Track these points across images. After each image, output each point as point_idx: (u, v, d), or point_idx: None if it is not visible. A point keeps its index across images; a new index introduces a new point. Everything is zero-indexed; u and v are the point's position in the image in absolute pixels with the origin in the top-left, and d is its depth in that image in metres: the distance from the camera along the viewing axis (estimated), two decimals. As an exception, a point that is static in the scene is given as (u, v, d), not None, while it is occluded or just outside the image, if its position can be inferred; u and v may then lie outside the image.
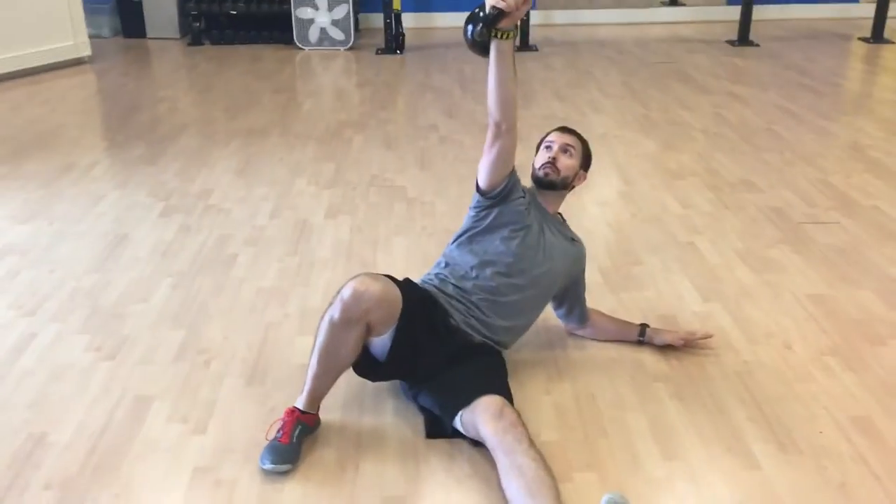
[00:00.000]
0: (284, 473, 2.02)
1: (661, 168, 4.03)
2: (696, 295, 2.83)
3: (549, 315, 2.67)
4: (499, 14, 2.03)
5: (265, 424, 2.15)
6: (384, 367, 2.18)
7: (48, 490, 1.98)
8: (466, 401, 2.04)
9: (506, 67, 2.12)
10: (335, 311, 2.03)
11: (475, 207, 2.36)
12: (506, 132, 2.18)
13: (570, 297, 2.53)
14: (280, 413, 2.13)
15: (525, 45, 6.65)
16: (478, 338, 2.26)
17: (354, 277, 2.06)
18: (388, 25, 6.57)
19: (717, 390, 2.32)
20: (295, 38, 6.77)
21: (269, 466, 2.01)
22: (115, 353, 2.53)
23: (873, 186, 3.75)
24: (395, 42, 6.61)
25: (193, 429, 2.19)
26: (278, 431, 2.08)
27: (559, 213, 2.52)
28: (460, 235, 2.39)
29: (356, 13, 6.93)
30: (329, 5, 6.65)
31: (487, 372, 2.20)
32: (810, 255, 3.09)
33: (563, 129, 2.50)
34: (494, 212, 2.32)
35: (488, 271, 2.28)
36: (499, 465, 1.90)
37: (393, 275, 2.19)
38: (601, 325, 2.58)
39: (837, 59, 6.33)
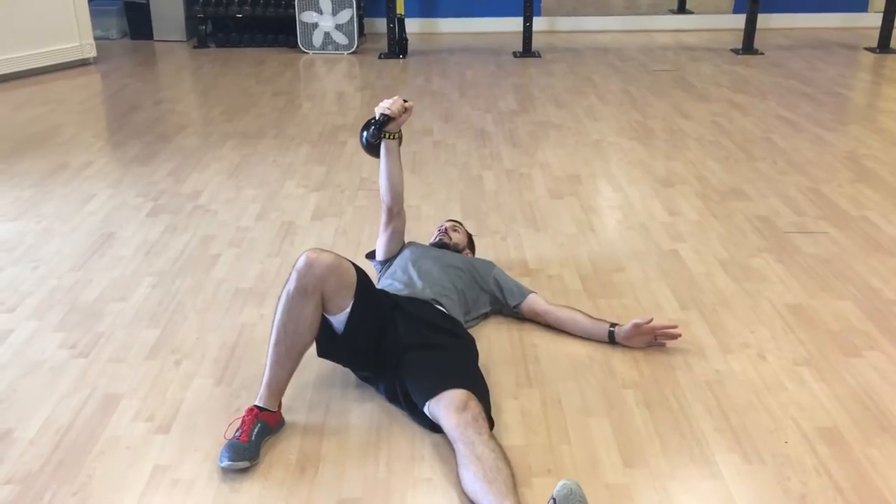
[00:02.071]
0: (242, 471, 2.02)
1: (652, 176, 4.01)
2: (675, 303, 2.81)
3: (522, 322, 2.67)
4: (386, 119, 2.58)
5: (227, 428, 2.15)
6: (344, 339, 2.23)
7: (8, 485, 1.99)
8: (434, 391, 2.09)
9: (393, 162, 2.64)
10: (290, 284, 2.14)
11: (380, 274, 2.75)
12: (396, 214, 2.70)
13: (501, 290, 2.69)
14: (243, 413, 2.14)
15: (528, 52, 6.65)
16: (439, 304, 2.43)
17: (305, 251, 2.18)
18: (391, 30, 6.59)
19: (685, 399, 2.30)
20: (299, 41, 6.80)
21: (226, 464, 2.02)
22: (88, 351, 2.55)
23: (865, 196, 3.71)
24: (398, 46, 6.63)
25: (157, 427, 2.20)
26: (237, 430, 2.09)
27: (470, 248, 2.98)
28: (379, 279, 2.73)
29: (361, 18, 6.95)
30: (333, 10, 6.68)
31: (458, 363, 2.26)
32: (793, 265, 3.07)
33: (451, 220, 3.08)
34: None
35: (407, 261, 2.66)
36: (457, 455, 1.95)
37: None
38: (569, 315, 2.63)
39: (841, 68, 6.28)
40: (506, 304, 2.69)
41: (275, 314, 2.16)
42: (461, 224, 3.03)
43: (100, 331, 2.66)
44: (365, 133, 2.64)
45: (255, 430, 2.09)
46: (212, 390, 2.36)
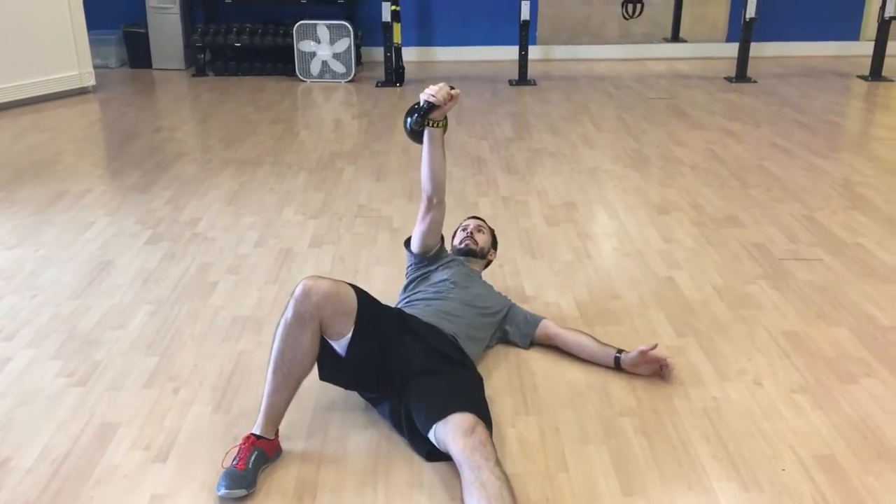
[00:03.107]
0: (240, 500, 2.02)
1: (648, 203, 4.04)
2: (671, 330, 2.82)
3: (519, 352, 2.69)
4: (431, 107, 2.50)
5: (224, 456, 2.15)
6: (346, 365, 2.22)
7: (5, 515, 1.99)
8: (441, 414, 2.07)
9: (437, 151, 2.58)
10: (288, 312, 2.15)
11: (410, 266, 2.77)
12: (436, 205, 2.64)
13: (512, 323, 2.70)
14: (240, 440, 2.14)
15: (523, 80, 6.71)
16: (451, 336, 2.40)
17: (304, 278, 2.19)
18: (388, 59, 6.65)
19: (683, 426, 2.31)
20: (297, 70, 6.86)
21: (223, 492, 2.01)
22: (86, 379, 2.55)
23: (859, 223, 3.74)
24: (395, 75, 6.68)
25: (155, 456, 2.20)
26: (234, 458, 2.09)
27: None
28: (406, 285, 2.75)
29: (358, 46, 7.01)
30: (331, 39, 6.74)
31: (464, 388, 2.26)
32: (789, 292, 3.08)
33: (475, 217, 3.07)
34: (427, 271, 2.74)
35: (438, 290, 2.63)
36: (463, 481, 1.93)
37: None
38: (573, 337, 2.66)
39: (834, 96, 6.35)
40: (520, 342, 2.71)
41: (273, 342, 2.16)
42: (485, 222, 3.01)
43: (97, 359, 2.66)
44: (409, 119, 2.56)
45: (252, 457, 2.09)
46: (210, 418, 2.36)
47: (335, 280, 2.21)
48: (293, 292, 2.15)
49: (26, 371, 2.60)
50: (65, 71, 6.18)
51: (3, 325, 2.87)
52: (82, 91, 6.32)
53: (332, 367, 2.26)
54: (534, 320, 2.71)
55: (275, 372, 2.15)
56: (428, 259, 2.72)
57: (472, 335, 2.50)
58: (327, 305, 2.14)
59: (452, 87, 2.52)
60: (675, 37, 8.37)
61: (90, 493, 2.06)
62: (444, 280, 2.65)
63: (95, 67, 6.53)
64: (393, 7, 6.49)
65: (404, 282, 2.77)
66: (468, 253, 2.84)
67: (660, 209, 3.95)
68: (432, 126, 2.54)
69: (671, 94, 6.42)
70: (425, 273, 2.72)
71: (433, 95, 2.48)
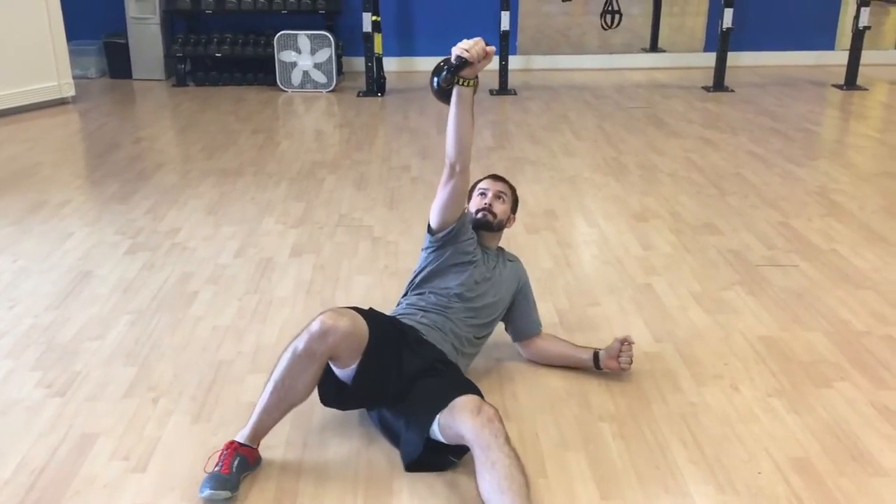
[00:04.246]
0: (223, 502, 2.02)
1: (626, 211, 4.07)
2: (649, 336, 2.85)
3: (501, 353, 2.70)
4: (463, 63, 2.23)
5: (206, 462, 2.15)
6: (351, 391, 2.20)
7: (-18, 526, 1.98)
8: (444, 403, 2.07)
9: (465, 112, 2.30)
10: (300, 343, 2.09)
11: (427, 248, 2.54)
12: (459, 173, 2.36)
13: (518, 311, 2.66)
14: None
15: (504, 89, 6.75)
16: (447, 355, 2.35)
17: (323, 312, 2.12)
18: (369, 68, 6.67)
19: (660, 431, 2.33)
20: (278, 80, 6.86)
21: (207, 493, 2.01)
22: (65, 390, 2.54)
23: (834, 230, 3.79)
24: (376, 85, 6.70)
25: (134, 466, 2.19)
26: (217, 463, 2.08)
27: (499, 247, 2.70)
28: (414, 278, 2.56)
29: (340, 56, 7.03)
30: (312, 49, 6.76)
31: (459, 378, 2.27)
32: (765, 298, 3.12)
33: (495, 177, 2.73)
34: (447, 252, 2.50)
35: (443, 300, 2.47)
36: (475, 462, 1.95)
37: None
38: (555, 348, 2.67)
39: (810, 104, 6.43)
40: (515, 334, 2.69)
41: (277, 361, 2.12)
42: (506, 182, 2.68)
43: (76, 369, 2.65)
44: (436, 77, 2.29)
45: (235, 462, 2.09)
46: (189, 428, 2.36)
47: (353, 315, 2.12)
48: (309, 325, 2.08)
49: (4, 382, 2.58)
50: (44, 81, 6.15)
51: (-19, 337, 2.86)
52: (62, 102, 6.30)
53: (337, 395, 2.22)
54: (535, 328, 2.68)
55: (272, 392, 2.12)
56: (447, 238, 2.46)
57: (464, 352, 2.47)
58: (342, 344, 2.08)
59: (488, 44, 2.26)
60: (654, 47, 8.45)
61: (69, 503, 2.05)
62: (450, 290, 2.46)
63: (75, 78, 6.51)
64: (373, 17, 6.52)
65: (415, 267, 2.56)
66: (484, 226, 2.57)
67: (638, 217, 3.99)
68: (463, 85, 2.27)
69: (650, 104, 6.48)
70: (439, 266, 2.48)
71: (466, 51, 2.21)
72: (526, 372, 2.64)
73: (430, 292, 2.49)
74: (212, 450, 2.22)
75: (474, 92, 2.31)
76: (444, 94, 2.32)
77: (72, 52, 6.45)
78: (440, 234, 2.47)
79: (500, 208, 2.60)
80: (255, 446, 2.16)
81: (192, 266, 3.43)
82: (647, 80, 7.41)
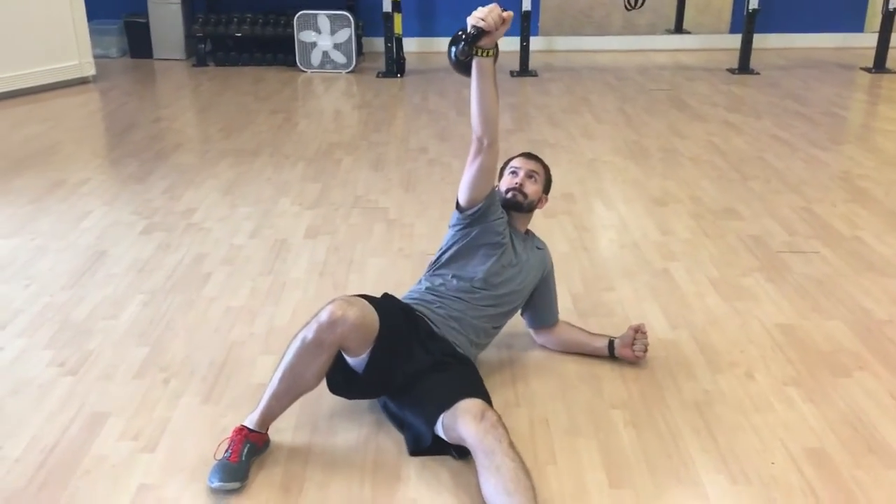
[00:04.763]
0: (232, 492, 2.01)
1: (646, 195, 4.02)
2: (664, 322, 2.81)
3: (513, 340, 2.67)
4: (479, 33, 2.13)
5: (216, 443, 2.15)
6: (360, 381, 2.18)
7: (-8, 504, 1.99)
8: (448, 403, 2.05)
9: (487, 84, 2.21)
10: (309, 332, 2.05)
11: (454, 226, 2.45)
12: (487, 147, 2.27)
13: (538, 298, 2.60)
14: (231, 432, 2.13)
15: (525, 71, 6.68)
16: (458, 347, 2.30)
17: (332, 301, 2.08)
18: (388, 49, 6.63)
19: (673, 419, 2.29)
20: (297, 60, 6.84)
21: (217, 485, 2.01)
22: (77, 369, 2.55)
23: (858, 216, 3.72)
24: (395, 65, 6.66)
25: (144, 446, 2.19)
26: (227, 450, 2.08)
27: (528, 230, 2.62)
28: (440, 255, 2.47)
29: (360, 37, 6.99)
30: (331, 29, 6.72)
31: (467, 377, 2.23)
32: (784, 285, 3.06)
33: (528, 155, 2.62)
34: (475, 231, 2.40)
35: (465, 285, 2.39)
36: (478, 466, 1.93)
37: (368, 293, 2.23)
38: (570, 335, 2.63)
39: (837, 88, 6.31)
40: (531, 321, 2.64)
41: (287, 348, 2.10)
42: (539, 161, 2.59)
43: (89, 348, 2.66)
44: (454, 49, 2.19)
45: (245, 450, 2.07)
46: (199, 409, 2.36)
47: (362, 305, 2.08)
48: (318, 314, 2.05)
49: (18, 360, 2.60)
50: (65, 61, 6.17)
51: (-3, 315, 2.87)
52: (82, 81, 6.31)
53: (344, 383, 2.19)
54: (553, 318, 2.63)
55: (281, 380, 2.10)
56: (476, 216, 2.36)
57: (479, 343, 2.42)
58: (351, 335, 2.05)
59: (504, 9, 2.16)
60: (679, 28, 8.33)
61: (77, 483, 2.06)
62: (475, 275, 2.38)
63: (96, 57, 6.53)
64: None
65: (442, 244, 2.47)
66: (514, 206, 2.48)
67: (658, 201, 3.93)
68: (481, 55, 2.17)
69: (673, 86, 6.38)
70: (467, 244, 2.39)
71: (482, 19, 2.11)
72: (538, 356, 2.61)
73: (453, 276, 2.40)
74: (221, 431, 2.22)
75: (495, 61, 2.21)
76: (463, 67, 2.22)
77: (93, 32, 6.47)
78: (469, 212, 2.38)
79: (532, 188, 2.50)
80: (264, 431, 2.14)
81: (207, 247, 3.43)
82: (672, 61, 7.30)
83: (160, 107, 5.92)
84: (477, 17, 2.12)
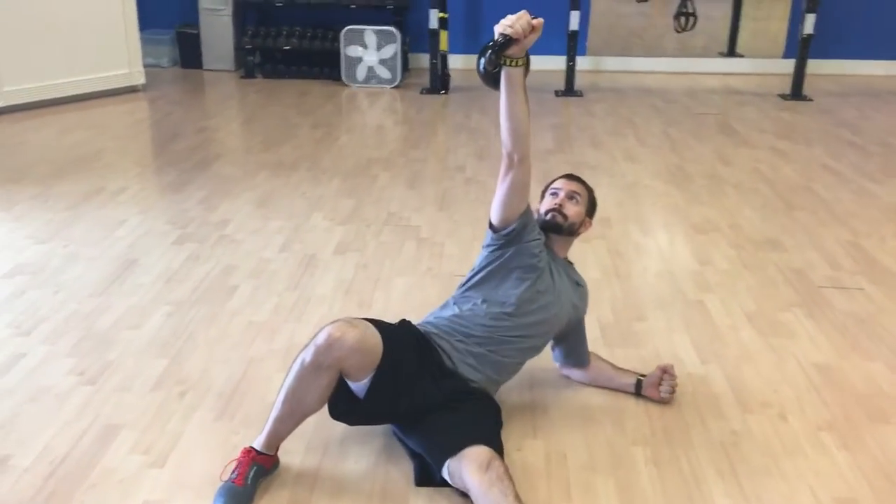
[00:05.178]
0: (234, 516, 1.98)
1: (685, 222, 3.91)
2: (695, 356, 2.71)
3: (535, 367, 2.59)
4: (507, 41, 2.03)
5: (225, 461, 2.12)
6: (362, 407, 2.11)
7: (-3, 513, 1.98)
8: (454, 449, 1.98)
9: (516, 95, 2.11)
10: (307, 355, 2.01)
11: (488, 246, 2.34)
12: (518, 163, 2.17)
13: (571, 340, 2.51)
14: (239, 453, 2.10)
15: (570, 91, 6.61)
16: (473, 383, 2.21)
17: (333, 322, 2.03)
18: (433, 65, 6.61)
19: (697, 460, 2.20)
20: (343, 75, 6.86)
21: (220, 507, 1.97)
22: (96, 379, 2.54)
23: (908, 252, 3.56)
24: (440, 82, 6.64)
25: (153, 461, 2.17)
26: (233, 472, 2.04)
27: (566, 257, 2.51)
28: (472, 276, 2.36)
29: (406, 53, 6.99)
30: (378, 45, 6.74)
31: (478, 420, 2.14)
32: (824, 321, 2.94)
33: (570, 177, 2.52)
34: (509, 251, 2.29)
35: (495, 311, 2.26)
36: None
37: (386, 316, 2.18)
38: (597, 369, 2.54)
39: (893, 118, 6.10)
40: (559, 358, 2.55)
41: (288, 372, 2.05)
42: (582, 183, 2.47)
43: (110, 358, 2.66)
44: (482, 59, 2.10)
45: (251, 472, 2.04)
46: (212, 425, 2.33)
47: (363, 327, 2.02)
48: (315, 336, 2.00)
49: (38, 368, 2.60)
50: (115, 69, 6.27)
51: (23, 321, 2.89)
52: (132, 89, 6.41)
53: (346, 408, 2.13)
54: (584, 360, 2.52)
55: (283, 402, 2.06)
56: (510, 236, 2.26)
57: (497, 380, 2.30)
58: (350, 358, 1.99)
59: (534, 17, 2.05)
60: (732, 51, 8.17)
61: (83, 496, 2.04)
62: (507, 301, 2.26)
63: (148, 66, 6.63)
64: (440, 14, 6.46)
65: (475, 264, 2.35)
66: (553, 228, 2.37)
67: (697, 229, 3.82)
68: (510, 65, 2.07)
69: (722, 110, 6.25)
70: (500, 265, 2.28)
71: (510, 27, 2.01)
72: (561, 385, 2.54)
73: (483, 300, 2.28)
74: (231, 449, 2.19)
75: (526, 72, 2.11)
76: (491, 79, 2.12)
77: (146, 41, 6.58)
78: (503, 232, 2.26)
79: (573, 210, 2.38)
80: (272, 453, 2.10)
81: (237, 259, 3.42)
82: (722, 85, 7.16)
83: (205, 117, 5.98)
84: (505, 25, 2.02)
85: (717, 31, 8.59)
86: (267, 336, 2.81)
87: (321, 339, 1.98)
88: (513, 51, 2.05)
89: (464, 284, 2.38)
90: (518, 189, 2.21)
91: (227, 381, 2.54)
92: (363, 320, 2.08)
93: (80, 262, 3.37)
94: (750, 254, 3.53)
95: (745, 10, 8.41)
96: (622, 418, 2.38)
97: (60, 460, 2.17)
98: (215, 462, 2.14)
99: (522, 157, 2.16)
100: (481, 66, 2.12)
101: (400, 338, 2.14)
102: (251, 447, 2.08)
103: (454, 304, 2.36)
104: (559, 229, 2.38)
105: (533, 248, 2.29)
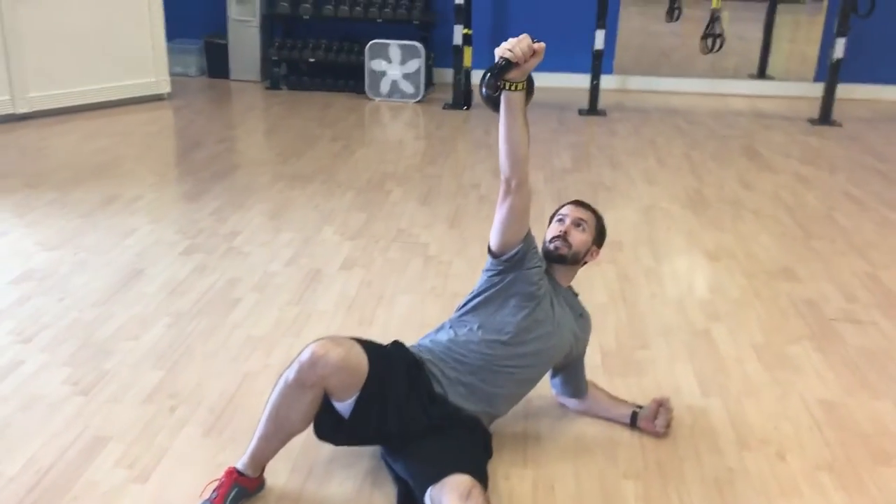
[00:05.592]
0: (208, 535, 1.96)
1: (699, 248, 3.84)
2: (696, 388, 2.65)
3: (531, 394, 2.52)
4: (507, 65, 2.00)
5: (208, 479, 2.10)
6: (346, 428, 2.08)
7: (-23, 523, 1.98)
8: (436, 477, 1.93)
9: (515, 120, 2.08)
10: (291, 372, 1.99)
11: (487, 271, 2.30)
12: (516, 189, 2.13)
13: (570, 370, 2.46)
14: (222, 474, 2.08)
15: (593, 110, 6.56)
16: (464, 411, 2.16)
17: (317, 340, 2.01)
18: (457, 81, 6.60)
19: (689, 497, 2.14)
20: (366, 88, 6.88)
21: (193, 528, 1.96)
22: (89, 389, 2.55)
23: (927, 286, 3.47)
24: (463, 98, 6.63)
25: (137, 476, 2.16)
26: (213, 492, 2.02)
27: (570, 287, 2.44)
28: (470, 300, 2.32)
29: (430, 68, 6.99)
30: (402, 59, 6.75)
31: (464, 448, 2.09)
32: (833, 356, 2.86)
33: (578, 203, 2.45)
34: (508, 277, 2.25)
35: (490, 338, 2.22)
36: None
37: (385, 334, 2.15)
38: (594, 399, 2.49)
39: (924, 145, 5.98)
40: (557, 386, 2.49)
41: (272, 390, 2.03)
42: (590, 209, 2.42)
43: (106, 368, 2.66)
44: (483, 82, 2.09)
45: (232, 494, 2.02)
46: (200, 441, 2.32)
47: (348, 346, 2.00)
48: (299, 354, 1.97)
49: (35, 376, 2.61)
50: (142, 77, 6.35)
51: (25, 327, 2.91)
52: (157, 98, 6.48)
53: (330, 428, 2.09)
54: (582, 392, 2.47)
55: (267, 421, 2.04)
56: (510, 262, 2.22)
57: (491, 412, 2.23)
58: (333, 377, 1.96)
59: (536, 40, 2.02)
60: (762, 73, 8.07)
61: (64, 508, 2.04)
62: (503, 329, 2.21)
63: (176, 75, 6.71)
64: (465, 31, 6.45)
65: (474, 288, 2.30)
66: (556, 259, 2.32)
67: (710, 255, 3.76)
68: (510, 89, 2.04)
69: (747, 133, 6.16)
70: (498, 291, 2.24)
71: (510, 50, 1.98)
72: (555, 414, 2.49)
73: (479, 326, 2.23)
74: (216, 467, 2.17)
75: (528, 98, 2.08)
76: (493, 102, 2.09)
77: (175, 51, 6.64)
78: (503, 257, 2.23)
79: (578, 238, 2.32)
80: (255, 475, 2.08)
81: (242, 271, 3.42)
82: (749, 108, 7.06)
83: (227, 127, 6.02)
84: (505, 48, 1.99)
85: (750, 53, 8.49)
86: (264, 351, 2.80)
87: (305, 356, 1.95)
88: (513, 75, 2.02)
89: (461, 307, 2.34)
90: (516, 215, 2.18)
91: (220, 396, 2.53)
92: (349, 339, 2.05)
93: (87, 271, 3.39)
94: (763, 283, 3.46)
95: (780, 31, 8.31)
96: (615, 450, 2.33)
97: (46, 470, 2.17)
98: (198, 480, 2.13)
99: (520, 182, 2.13)
100: (483, 92, 2.11)
101: (388, 359, 2.11)
102: (234, 468, 2.06)
103: (450, 327, 2.32)
104: (563, 259, 2.32)
105: (533, 275, 2.24)
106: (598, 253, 2.41)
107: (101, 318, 3.00)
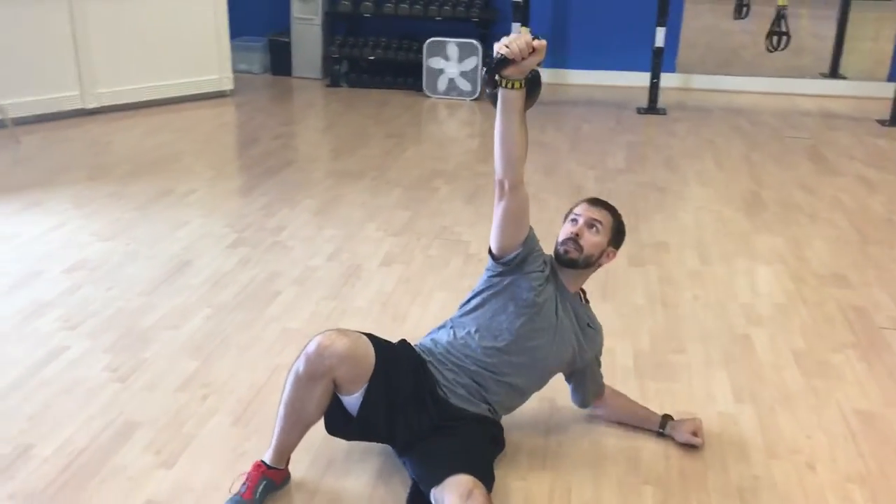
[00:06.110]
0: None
1: (748, 251, 3.75)
2: (729, 394, 2.59)
3: (555, 398, 2.52)
4: (502, 60, 1.93)
5: (233, 466, 2.16)
6: (354, 425, 2.10)
7: (10, 500, 2.07)
8: (439, 478, 1.94)
9: (510, 119, 1.99)
10: (300, 365, 2.01)
11: (488, 270, 2.25)
12: (510, 191, 2.06)
13: (576, 380, 2.40)
14: (250, 458, 2.13)
15: (652, 109, 6.45)
16: (467, 412, 2.15)
17: (323, 332, 2.03)
18: (514, 79, 6.58)
19: (710, 504, 2.10)
20: (424, 85, 6.91)
21: (227, 521, 2.00)
22: (127, 377, 2.63)
23: None
24: (520, 96, 6.60)
25: (163, 461, 2.23)
26: (243, 485, 2.06)
27: (582, 291, 2.36)
28: (471, 299, 2.29)
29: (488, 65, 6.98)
30: (459, 57, 6.76)
31: (467, 448, 2.07)
32: (879, 366, 2.76)
33: (593, 202, 2.33)
34: (507, 280, 2.19)
35: (486, 344, 2.17)
36: None
37: (417, 332, 2.18)
38: (616, 406, 2.44)
39: None
40: (571, 391, 2.44)
41: (284, 385, 2.06)
42: (607, 209, 2.29)
43: (144, 357, 2.75)
44: (481, 80, 2.18)
45: (261, 487, 2.06)
46: (227, 430, 2.38)
47: (354, 337, 2.01)
48: (306, 346, 1.99)
49: (78, 361, 2.71)
50: (205, 74, 6.51)
51: (73, 314, 3.02)
52: (220, 94, 6.64)
53: (342, 425, 2.11)
54: (587, 400, 2.41)
55: (284, 414, 2.07)
56: (510, 265, 2.16)
57: (497, 414, 2.21)
58: (341, 367, 1.97)
59: (536, 37, 1.93)
60: (834, 72, 7.81)
61: (92, 490, 2.11)
62: (500, 335, 2.16)
63: (240, 72, 6.86)
64: (523, 28, 6.42)
65: (475, 287, 2.27)
66: (567, 264, 2.21)
67: (760, 258, 3.66)
68: (507, 87, 1.96)
69: (812, 134, 5.97)
70: (497, 291, 2.19)
71: (506, 46, 1.91)
72: (579, 415, 2.46)
73: (476, 330, 2.18)
74: (240, 455, 2.23)
75: (532, 98, 2.01)
76: (493, 98, 2.02)
77: (239, 48, 6.78)
78: (502, 260, 2.17)
79: (591, 240, 2.20)
80: (282, 467, 2.11)
81: (284, 265, 3.48)
82: (817, 108, 6.84)
83: (285, 123, 6.13)
84: (502, 44, 1.92)
85: (823, 52, 8.23)
86: (298, 344, 2.81)
87: (311, 348, 1.98)
88: (510, 71, 1.94)
89: (463, 305, 2.28)
90: (511, 218, 2.11)
91: (250, 387, 2.58)
92: (356, 332, 2.07)
93: (137, 261, 3.50)
94: (811, 288, 3.36)
95: (854, 30, 8.02)
96: (638, 454, 2.29)
97: (77, 453, 2.25)
98: (222, 468, 2.19)
99: (514, 184, 2.06)
100: (485, 87, 2.03)
101: (395, 355, 2.12)
102: (262, 461, 2.10)
103: (450, 327, 2.27)
104: (573, 264, 2.22)
105: (533, 279, 2.17)
106: (614, 255, 2.29)
107: (145, 307, 3.09)
